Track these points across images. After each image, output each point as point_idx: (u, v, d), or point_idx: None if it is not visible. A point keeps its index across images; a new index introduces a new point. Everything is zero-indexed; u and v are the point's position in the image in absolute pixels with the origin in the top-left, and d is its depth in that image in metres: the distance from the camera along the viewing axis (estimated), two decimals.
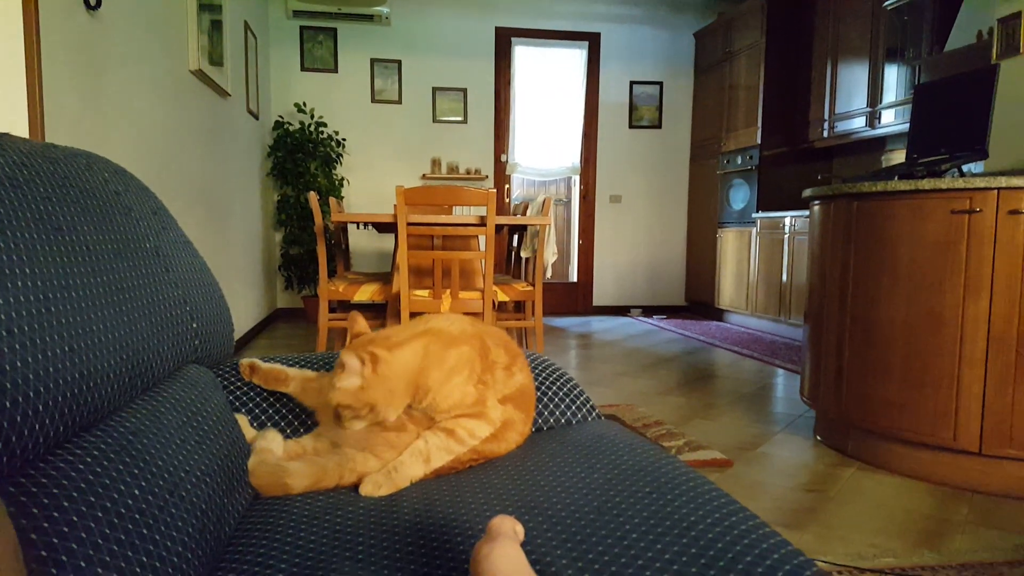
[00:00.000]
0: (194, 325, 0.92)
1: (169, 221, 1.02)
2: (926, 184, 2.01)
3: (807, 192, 2.42)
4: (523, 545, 0.58)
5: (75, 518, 0.50)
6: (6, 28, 1.40)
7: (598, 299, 6.12)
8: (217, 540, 0.66)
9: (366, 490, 0.80)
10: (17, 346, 0.51)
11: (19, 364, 0.51)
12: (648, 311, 6.14)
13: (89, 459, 0.57)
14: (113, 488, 0.56)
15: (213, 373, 0.98)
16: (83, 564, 0.48)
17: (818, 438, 2.40)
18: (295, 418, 0.98)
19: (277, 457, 0.86)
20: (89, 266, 0.70)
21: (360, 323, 0.93)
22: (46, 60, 1.61)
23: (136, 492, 0.58)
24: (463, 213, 4.92)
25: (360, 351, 0.82)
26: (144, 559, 0.53)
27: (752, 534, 0.63)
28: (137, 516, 0.56)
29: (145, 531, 0.55)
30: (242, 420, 0.93)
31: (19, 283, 0.55)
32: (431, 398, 0.86)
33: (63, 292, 0.62)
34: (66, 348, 0.58)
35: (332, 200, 3.37)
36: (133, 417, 0.68)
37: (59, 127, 1.74)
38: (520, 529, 0.58)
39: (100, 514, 0.53)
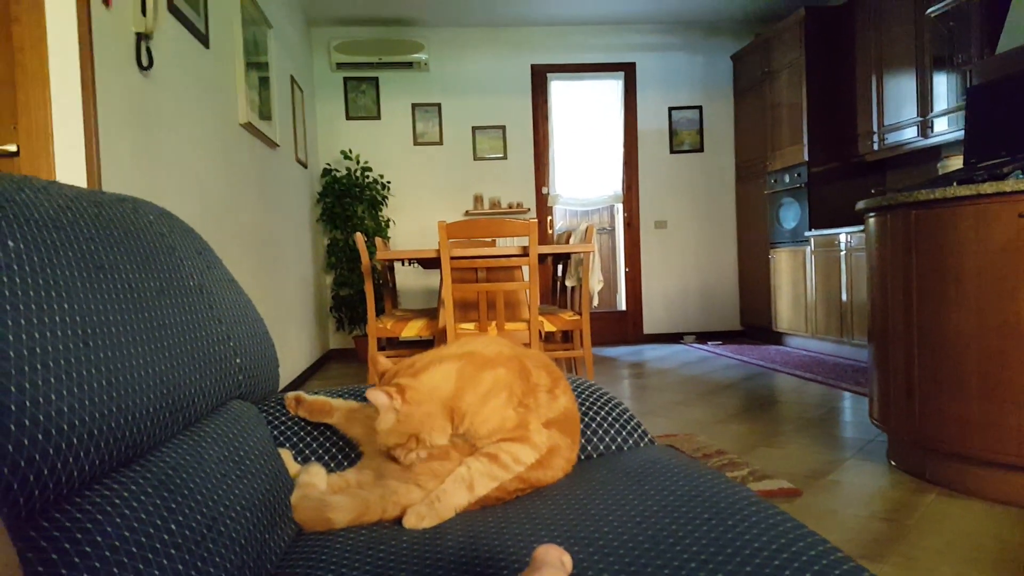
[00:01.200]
0: (238, 361, 0.92)
1: (213, 260, 1.03)
2: (988, 188, 1.89)
3: (861, 204, 2.32)
4: None
5: (108, 553, 0.49)
6: (64, 88, 1.49)
7: (649, 327, 6.00)
8: None
9: (409, 522, 0.77)
10: (52, 379, 0.51)
11: (53, 397, 0.50)
12: (702, 337, 5.97)
13: (126, 494, 0.56)
14: (149, 523, 0.55)
15: (257, 408, 0.98)
16: None
17: (892, 463, 2.24)
18: (339, 451, 0.97)
19: (320, 491, 0.84)
20: (131, 303, 0.70)
21: (382, 362, 0.91)
22: (102, 117, 1.70)
23: (173, 527, 0.56)
24: (507, 246, 4.94)
25: (385, 387, 0.81)
26: None
27: (823, 559, 0.57)
28: (173, 551, 0.54)
29: (180, 567, 0.54)
30: (286, 455, 0.91)
31: (57, 319, 0.55)
32: (468, 422, 0.83)
33: (103, 328, 0.62)
34: (103, 383, 0.58)
35: (378, 240, 3.43)
36: (173, 452, 0.67)
37: (114, 179, 1.82)
38: (568, 560, 0.54)
39: (134, 550, 0.51)
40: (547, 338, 3.67)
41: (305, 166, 4.88)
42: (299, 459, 0.95)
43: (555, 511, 0.75)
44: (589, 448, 1.01)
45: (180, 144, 2.37)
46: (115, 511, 0.53)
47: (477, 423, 0.83)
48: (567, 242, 3.96)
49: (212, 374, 0.82)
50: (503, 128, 5.76)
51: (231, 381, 0.89)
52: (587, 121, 5.90)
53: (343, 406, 0.99)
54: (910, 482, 2.07)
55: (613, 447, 1.01)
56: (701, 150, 5.97)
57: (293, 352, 4.11)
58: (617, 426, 1.04)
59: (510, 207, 5.75)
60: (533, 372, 0.92)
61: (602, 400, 1.09)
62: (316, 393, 1.05)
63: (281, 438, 0.97)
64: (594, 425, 1.03)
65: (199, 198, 2.55)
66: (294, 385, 4.01)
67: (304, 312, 4.56)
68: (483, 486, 0.82)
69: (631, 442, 1.03)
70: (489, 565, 0.64)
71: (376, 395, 0.80)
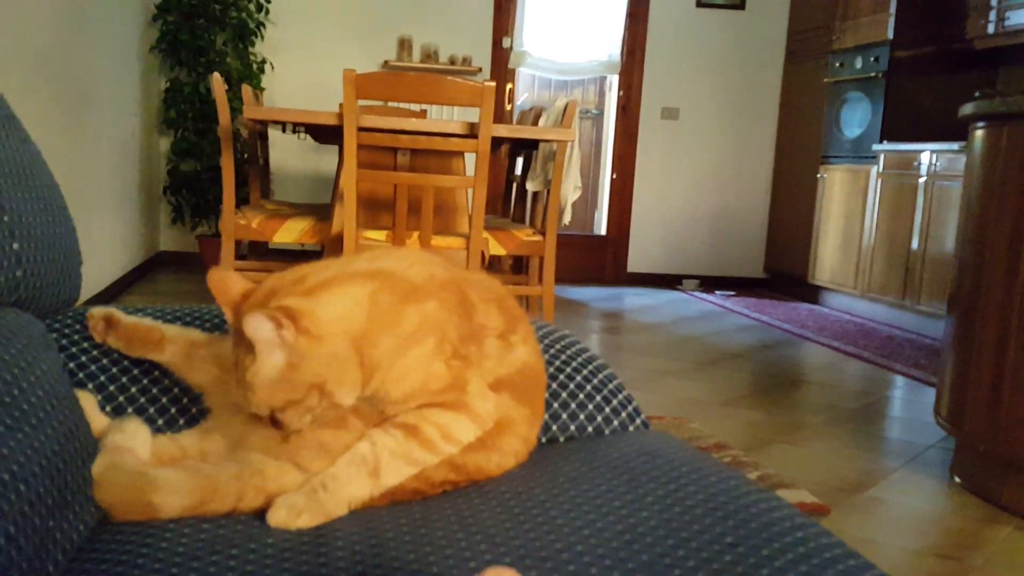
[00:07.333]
0: (15, 246, 0.85)
1: None
2: None
3: (968, 108, 2.34)
4: None
5: None
6: None
7: (635, 263, 6.08)
8: None
9: (277, 518, 0.74)
10: None
11: None
12: (709, 284, 6.10)
13: None
14: None
15: (45, 325, 0.92)
16: None
17: (957, 479, 2.37)
18: (172, 402, 0.93)
19: (141, 461, 0.81)
20: None
21: (237, 284, 0.83)
22: None
23: None
24: (444, 119, 4.83)
25: (265, 311, 0.74)
26: None
27: None
28: None
29: None
30: (87, 401, 0.87)
31: None
32: (379, 379, 0.80)
33: None
34: None
35: (246, 89, 3.29)
36: None
37: None
38: None
39: None
40: (491, 265, 3.66)
41: None
42: (109, 410, 0.91)
43: (503, 515, 0.74)
44: (555, 427, 1.00)
45: None
46: None
47: (388, 381, 0.80)
48: (535, 124, 3.90)
49: None
50: None
51: (2, 276, 0.83)
52: None
53: (181, 337, 0.94)
54: (981, 507, 2.19)
55: (590, 428, 1.01)
56: (742, 7, 5.93)
57: (102, 251, 3.97)
58: (599, 398, 1.03)
59: (452, 63, 5.61)
60: (479, 307, 0.89)
61: (578, 359, 1.08)
62: (138, 313, 1.00)
63: (81, 374, 0.92)
64: (564, 394, 1.02)
65: None
66: (102, 299, 3.89)
67: (122, 191, 4.38)
68: (395, 473, 0.79)
69: (616, 423, 1.03)
70: None
71: (258, 323, 0.73)
